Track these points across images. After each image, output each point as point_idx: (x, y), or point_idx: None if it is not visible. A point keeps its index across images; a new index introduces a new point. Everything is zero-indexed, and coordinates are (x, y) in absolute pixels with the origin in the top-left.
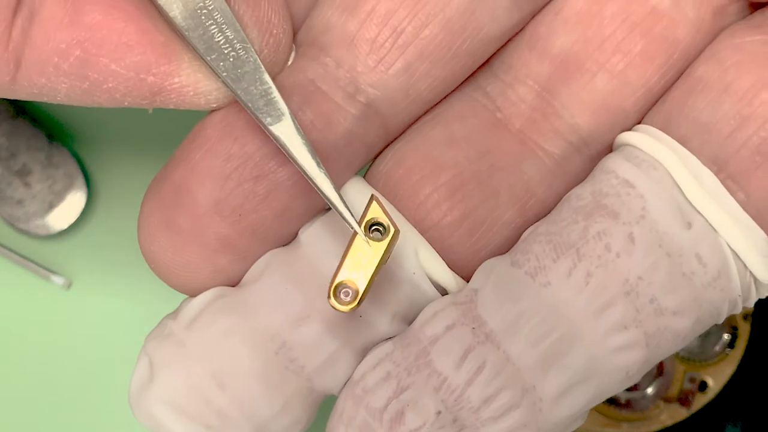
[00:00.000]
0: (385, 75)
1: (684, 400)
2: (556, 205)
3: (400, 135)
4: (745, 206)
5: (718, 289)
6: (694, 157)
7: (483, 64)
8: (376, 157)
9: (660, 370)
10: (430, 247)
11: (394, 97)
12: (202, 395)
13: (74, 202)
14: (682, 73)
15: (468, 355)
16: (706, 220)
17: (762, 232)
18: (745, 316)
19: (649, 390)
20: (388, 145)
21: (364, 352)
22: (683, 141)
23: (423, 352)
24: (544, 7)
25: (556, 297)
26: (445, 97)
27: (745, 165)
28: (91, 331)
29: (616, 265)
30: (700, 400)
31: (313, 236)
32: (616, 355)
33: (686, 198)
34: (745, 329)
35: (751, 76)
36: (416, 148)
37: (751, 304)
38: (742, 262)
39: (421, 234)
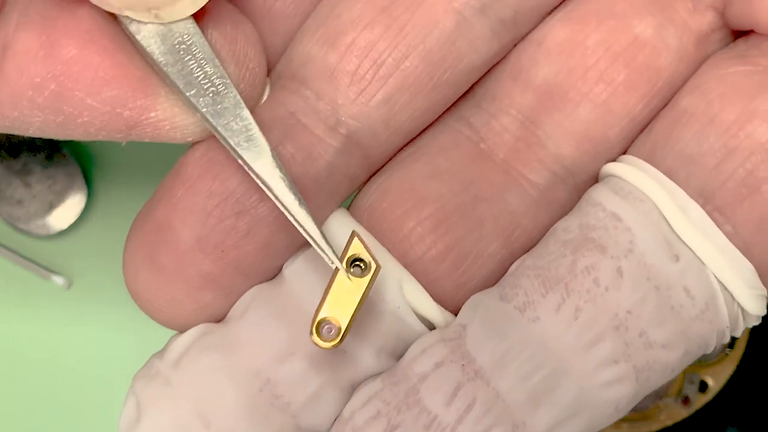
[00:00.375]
0: (366, 107)
1: (684, 400)
2: (541, 235)
3: (384, 166)
4: (732, 238)
5: (707, 321)
6: (681, 190)
7: (465, 94)
8: (360, 188)
9: None
10: (415, 280)
11: (375, 129)
12: None
13: (74, 202)
14: (666, 102)
15: (458, 392)
16: (694, 253)
17: (749, 264)
18: None
19: None
20: (371, 176)
21: (350, 388)
22: (669, 173)
23: (412, 390)
24: (525, 36)
25: (545, 332)
26: (427, 128)
27: (732, 197)
28: (91, 331)
29: (605, 300)
30: (700, 400)
31: (297, 272)
32: (606, 390)
33: (673, 231)
34: (745, 329)
35: (735, 108)
36: (400, 181)
37: (738, 334)
38: (730, 293)
39: (406, 268)
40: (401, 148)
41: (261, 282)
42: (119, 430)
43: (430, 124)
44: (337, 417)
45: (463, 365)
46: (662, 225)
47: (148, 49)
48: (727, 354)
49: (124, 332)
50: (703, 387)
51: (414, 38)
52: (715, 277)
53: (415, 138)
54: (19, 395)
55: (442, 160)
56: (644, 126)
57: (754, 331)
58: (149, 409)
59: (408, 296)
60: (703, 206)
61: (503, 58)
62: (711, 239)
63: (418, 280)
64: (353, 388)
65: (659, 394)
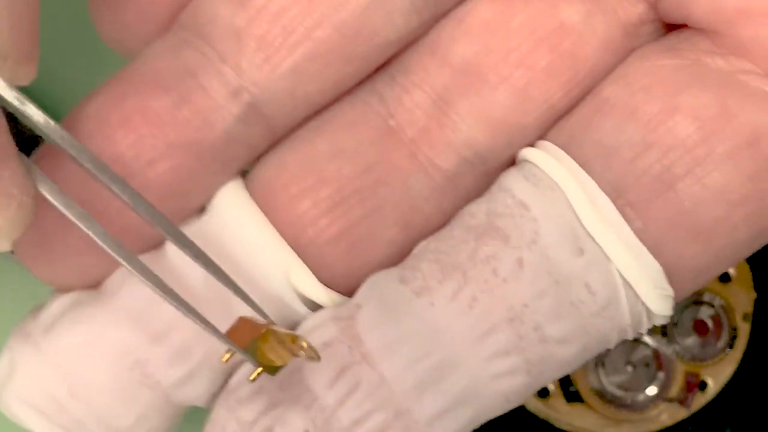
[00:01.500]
0: (272, 75)
1: (684, 400)
2: (443, 222)
3: (286, 137)
4: (642, 235)
5: (607, 318)
6: (593, 182)
7: (380, 68)
8: (260, 157)
9: (660, 369)
10: (304, 265)
11: (281, 99)
12: (57, 401)
13: None
14: (586, 93)
15: (342, 374)
16: (600, 247)
17: (657, 264)
18: (744, 317)
19: (649, 390)
20: (273, 146)
21: (230, 369)
22: (584, 163)
23: (297, 369)
24: (447, 13)
25: (439, 320)
26: (336, 101)
27: (645, 193)
28: None
29: (503, 291)
30: (700, 400)
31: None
32: (497, 381)
33: (581, 223)
34: (744, 329)
35: (659, 102)
36: (300, 157)
37: (643, 332)
38: (634, 291)
39: (297, 250)
40: (307, 119)
41: (142, 251)
42: None
43: (340, 97)
44: (214, 392)
45: (350, 347)
46: (570, 216)
47: None
48: (726, 354)
49: None
50: (703, 387)
51: (328, 7)
52: (620, 274)
53: (322, 110)
54: None
55: (347, 137)
56: (562, 115)
57: (753, 332)
58: (20, 369)
59: (295, 282)
60: (615, 200)
61: (423, 34)
62: (618, 234)
63: (310, 264)
64: (233, 370)
65: (660, 395)
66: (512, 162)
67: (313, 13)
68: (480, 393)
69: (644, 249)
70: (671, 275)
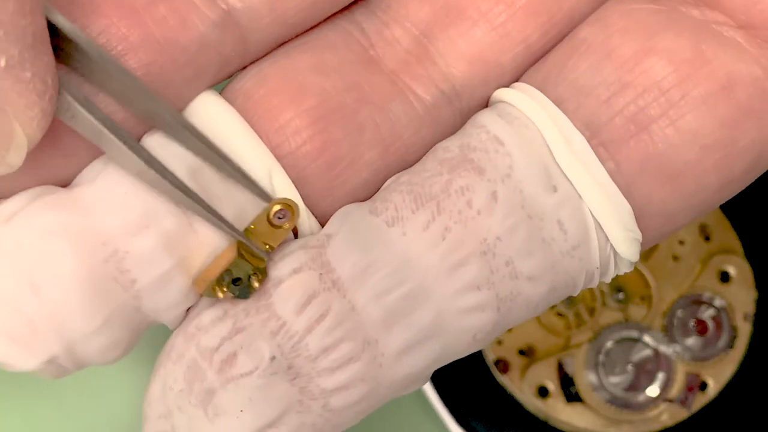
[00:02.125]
0: None
1: (684, 400)
2: (421, 152)
3: (265, 56)
4: (614, 176)
5: (576, 258)
6: (567, 120)
7: (358, 1)
8: (236, 75)
9: (660, 369)
10: (284, 173)
11: (258, 10)
12: (11, 300)
13: None
14: (563, 36)
15: (311, 301)
16: (572, 186)
17: (627, 205)
18: (745, 317)
19: (650, 390)
20: (246, 67)
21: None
22: (559, 102)
23: (264, 294)
24: None
25: (411, 249)
26: (316, 26)
27: (619, 133)
28: None
29: (476, 223)
30: (701, 401)
31: (159, 142)
32: (466, 316)
33: (555, 161)
34: (745, 329)
35: (635, 44)
36: (281, 69)
37: (608, 279)
38: (604, 233)
39: (278, 160)
40: (283, 43)
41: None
42: None
43: (320, 23)
44: (181, 309)
45: (321, 274)
46: (544, 153)
47: None
48: (727, 354)
49: None
50: (703, 387)
51: None
52: (591, 214)
53: (301, 34)
54: (19, 395)
55: (329, 56)
56: (539, 57)
57: (754, 332)
58: None
59: (276, 188)
60: (589, 140)
61: None
62: (591, 173)
63: (289, 175)
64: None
65: (660, 396)
66: (487, 104)
67: None
68: (448, 327)
69: (616, 189)
70: (640, 218)
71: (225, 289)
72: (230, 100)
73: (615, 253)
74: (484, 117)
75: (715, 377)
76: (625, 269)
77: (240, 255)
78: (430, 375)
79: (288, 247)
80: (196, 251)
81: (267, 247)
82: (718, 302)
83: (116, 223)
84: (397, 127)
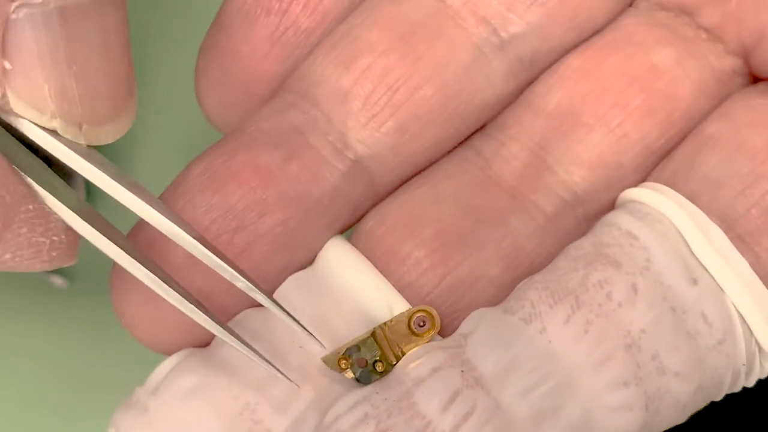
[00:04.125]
0: (377, 133)
1: None
2: (546, 262)
3: (387, 196)
4: (754, 268)
5: (723, 354)
6: (702, 213)
7: (476, 131)
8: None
9: None
10: (405, 302)
11: (384, 156)
12: None
13: None
14: (683, 134)
15: (456, 398)
16: (713, 279)
17: None
18: None
19: None
20: (374, 206)
21: None
22: (691, 197)
23: (406, 394)
24: (541, 74)
25: (552, 345)
26: (436, 161)
27: (756, 224)
28: (91, 331)
29: (618, 316)
30: None
31: (286, 296)
32: (613, 416)
33: (693, 254)
34: None
35: (765, 136)
36: (400, 206)
37: (751, 383)
38: (748, 327)
39: (400, 291)
40: (408, 180)
41: (253, 305)
42: None
43: (440, 158)
44: None
45: (462, 371)
46: (681, 247)
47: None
48: None
49: (123, 333)
50: None
51: (430, 68)
52: (734, 306)
53: (423, 170)
54: (18, 395)
55: (445, 185)
56: (660, 156)
57: None
58: None
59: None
60: (725, 232)
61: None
62: (732, 266)
63: (412, 304)
64: None
65: None
66: (612, 207)
67: (415, 74)
68: (596, 428)
69: (758, 281)
70: None
71: (348, 366)
72: (354, 243)
73: (760, 349)
74: (614, 216)
75: None
76: None
77: (374, 340)
78: None
79: (422, 349)
80: (326, 391)
81: (400, 352)
82: None
83: (246, 377)
84: (518, 241)
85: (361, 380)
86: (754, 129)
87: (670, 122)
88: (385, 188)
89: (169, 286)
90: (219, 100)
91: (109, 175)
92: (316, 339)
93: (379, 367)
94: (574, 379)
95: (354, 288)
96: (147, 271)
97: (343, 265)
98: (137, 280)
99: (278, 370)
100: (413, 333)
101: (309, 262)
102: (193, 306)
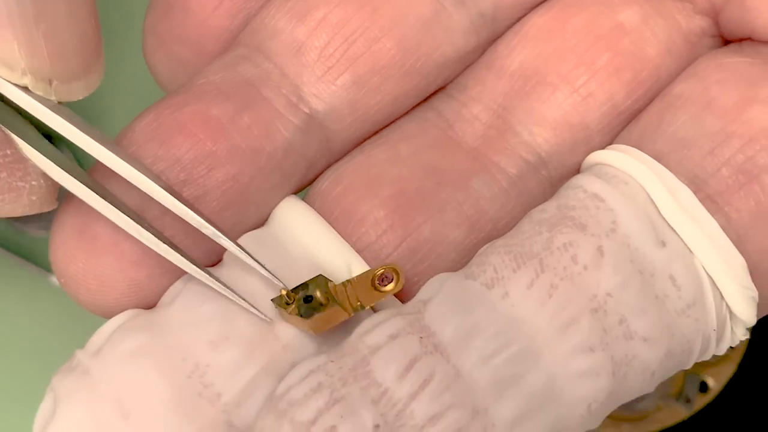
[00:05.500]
0: (333, 86)
1: (685, 400)
2: (509, 226)
3: (343, 157)
4: (725, 229)
5: (693, 319)
6: (670, 173)
7: (436, 91)
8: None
9: None
10: (365, 264)
11: (341, 111)
12: (103, 429)
13: None
14: (651, 94)
15: (414, 365)
16: (682, 241)
17: (741, 259)
18: None
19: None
20: (330, 165)
21: None
22: (659, 157)
23: (362, 362)
24: (503, 33)
25: (515, 309)
26: (394, 120)
27: (727, 184)
28: (91, 331)
29: (583, 279)
30: (701, 401)
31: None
32: (579, 382)
33: (661, 215)
34: None
35: (735, 94)
36: (357, 166)
37: (723, 349)
38: (719, 291)
39: (358, 253)
40: (365, 139)
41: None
42: (34, 429)
43: (398, 116)
44: None
45: (421, 338)
46: (649, 208)
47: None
48: (727, 354)
49: None
50: (703, 387)
51: (388, 20)
52: (704, 269)
53: (380, 129)
54: (18, 395)
55: (404, 146)
56: (627, 117)
57: (754, 332)
58: (64, 402)
59: None
60: (694, 193)
61: (479, 56)
62: (702, 227)
63: (372, 266)
64: None
65: (661, 395)
66: (578, 171)
67: (373, 26)
68: (561, 396)
69: (729, 242)
70: (754, 277)
71: (293, 303)
72: (310, 203)
73: (731, 314)
74: (579, 179)
75: (715, 377)
76: (740, 335)
77: (327, 287)
78: None
79: (380, 315)
80: (279, 355)
81: (358, 304)
82: None
83: (195, 338)
84: (481, 203)
85: (303, 314)
86: (724, 87)
87: (637, 82)
88: (341, 146)
89: (144, 228)
90: (167, 58)
91: (80, 129)
92: (280, 282)
93: (322, 299)
94: (537, 345)
95: (311, 249)
96: (121, 212)
97: (299, 225)
98: (80, 236)
99: (255, 309)
100: (376, 288)
101: (261, 220)
102: (167, 246)
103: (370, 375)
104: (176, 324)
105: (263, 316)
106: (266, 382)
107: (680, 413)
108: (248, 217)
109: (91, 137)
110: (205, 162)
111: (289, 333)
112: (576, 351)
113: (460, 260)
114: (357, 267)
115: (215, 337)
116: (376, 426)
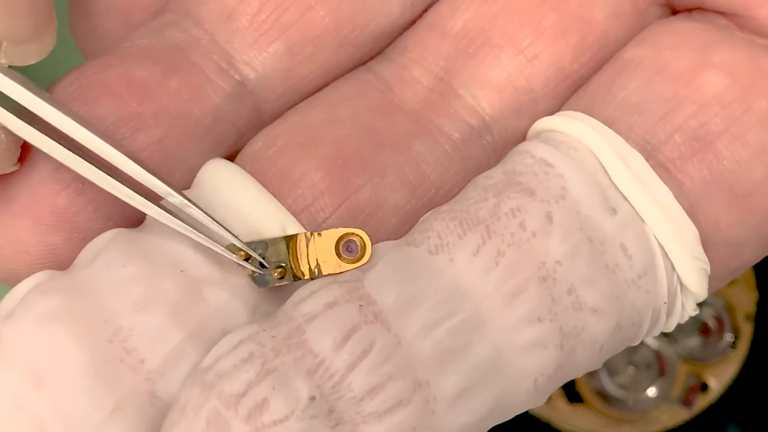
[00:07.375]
0: (264, 53)
1: (686, 401)
2: (452, 193)
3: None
4: (678, 197)
5: (643, 290)
6: (622, 139)
7: (373, 57)
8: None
9: (662, 371)
10: (300, 227)
11: (272, 80)
12: (14, 397)
13: None
14: (598, 59)
15: (352, 335)
16: (633, 208)
17: (694, 228)
18: (747, 317)
19: (651, 391)
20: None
21: None
22: (609, 123)
23: (296, 331)
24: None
25: (460, 277)
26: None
27: (680, 151)
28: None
29: (531, 246)
30: (702, 401)
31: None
32: (526, 355)
33: (612, 182)
34: (747, 330)
35: (688, 58)
36: (292, 127)
37: (672, 325)
38: (670, 262)
39: (294, 216)
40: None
41: (123, 227)
42: None
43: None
44: None
45: (360, 306)
46: (599, 175)
47: None
48: (728, 355)
49: None
50: (704, 388)
51: None
52: (656, 239)
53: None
54: None
55: (342, 107)
56: (573, 82)
57: (755, 333)
58: None
59: None
60: (646, 159)
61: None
62: (654, 195)
63: (309, 229)
64: None
65: (661, 396)
66: (523, 138)
67: None
68: (507, 369)
69: (681, 210)
70: (706, 248)
71: (249, 259)
72: (242, 165)
73: (682, 287)
74: (527, 145)
75: (716, 378)
76: (690, 311)
77: (289, 246)
78: None
79: (316, 284)
80: (209, 321)
81: (316, 266)
82: (719, 303)
83: (117, 300)
84: (422, 167)
85: (256, 281)
86: (676, 52)
87: (584, 45)
88: (272, 116)
89: (106, 173)
90: (92, 30)
91: (32, 93)
92: (234, 235)
93: (277, 273)
94: (483, 315)
95: (243, 211)
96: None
97: (230, 187)
98: None
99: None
100: (338, 255)
101: (188, 187)
102: (130, 191)
103: (306, 345)
104: (96, 285)
105: (232, 257)
106: (194, 351)
107: (681, 414)
108: (175, 182)
109: (43, 100)
110: (129, 123)
111: (220, 297)
112: (523, 321)
113: (401, 226)
114: (292, 230)
115: (140, 299)
116: (312, 398)
